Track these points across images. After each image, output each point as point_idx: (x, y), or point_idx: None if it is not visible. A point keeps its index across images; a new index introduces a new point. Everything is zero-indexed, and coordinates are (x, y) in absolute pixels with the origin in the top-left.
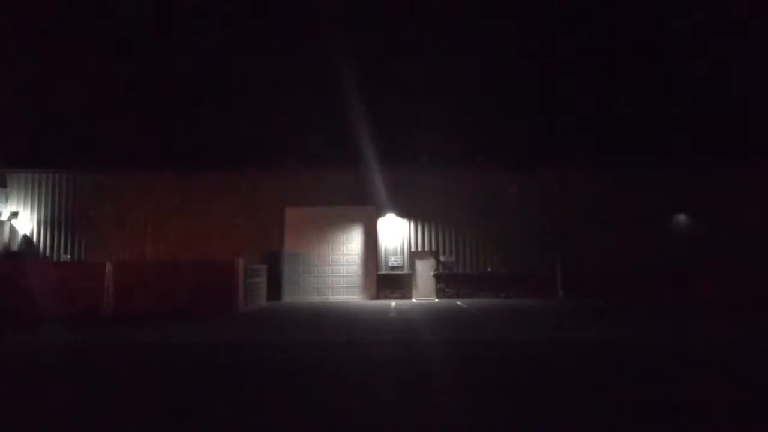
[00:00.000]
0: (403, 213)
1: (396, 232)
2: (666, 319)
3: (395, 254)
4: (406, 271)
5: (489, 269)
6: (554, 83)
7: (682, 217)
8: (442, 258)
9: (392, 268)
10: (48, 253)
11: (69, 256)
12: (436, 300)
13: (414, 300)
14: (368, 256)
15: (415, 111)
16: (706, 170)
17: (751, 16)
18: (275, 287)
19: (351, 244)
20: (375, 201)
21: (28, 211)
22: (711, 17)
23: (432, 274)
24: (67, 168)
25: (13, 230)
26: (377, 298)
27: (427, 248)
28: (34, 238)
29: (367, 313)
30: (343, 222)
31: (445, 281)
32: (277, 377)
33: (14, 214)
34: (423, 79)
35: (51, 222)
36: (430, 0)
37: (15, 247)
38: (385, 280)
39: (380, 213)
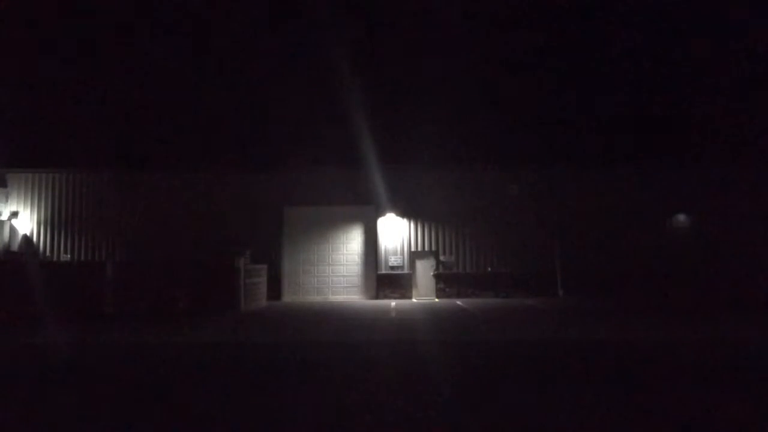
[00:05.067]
0: (403, 213)
1: (396, 232)
2: (662, 320)
3: (395, 254)
4: (406, 271)
5: (489, 269)
6: (555, 83)
7: (682, 217)
8: (442, 258)
9: (392, 268)
10: (48, 253)
11: (69, 256)
12: (436, 300)
13: (414, 300)
14: (368, 256)
15: (415, 111)
16: (706, 170)
17: (750, 16)
18: (275, 287)
19: (351, 244)
20: (375, 201)
21: (28, 211)
22: (712, 17)
23: (432, 274)
24: (67, 168)
25: (13, 230)
26: (377, 297)
27: (427, 248)
28: (34, 238)
29: (367, 313)
30: (343, 222)
31: (445, 281)
32: (278, 377)
33: (14, 214)
34: (423, 79)
35: (51, 222)
36: (430, 1)
37: (15, 247)
38: (385, 279)
39: (380, 213)
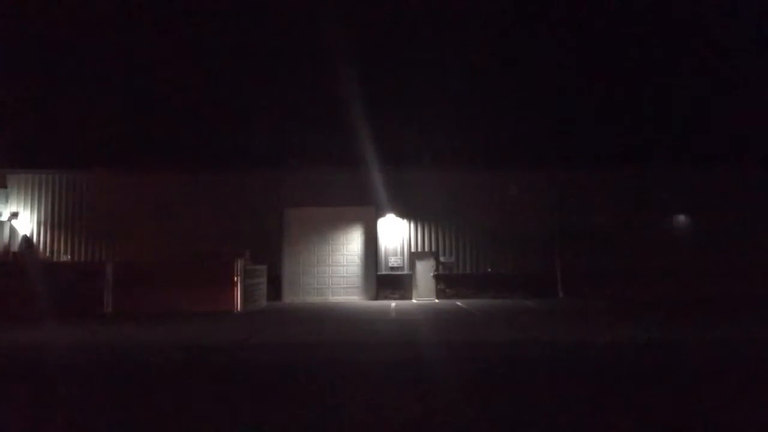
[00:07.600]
0: (403, 213)
1: (396, 233)
2: (660, 320)
3: (395, 254)
4: (406, 271)
5: (489, 269)
6: (554, 83)
7: (682, 218)
8: (442, 258)
9: (392, 268)
10: (48, 253)
11: (69, 256)
12: (436, 300)
13: (414, 300)
14: (368, 256)
15: (415, 111)
16: (706, 171)
17: (750, 18)
18: (275, 287)
19: (351, 245)
20: (375, 201)
21: (28, 212)
22: (711, 19)
23: (432, 274)
24: (67, 168)
25: (13, 231)
26: (377, 298)
27: (427, 248)
28: (34, 239)
29: (367, 314)
30: (343, 222)
31: (445, 282)
32: (277, 378)
33: (14, 215)
34: (423, 79)
35: (51, 222)
36: (430, 1)
37: (15, 247)
38: (385, 280)
39: (380, 213)
